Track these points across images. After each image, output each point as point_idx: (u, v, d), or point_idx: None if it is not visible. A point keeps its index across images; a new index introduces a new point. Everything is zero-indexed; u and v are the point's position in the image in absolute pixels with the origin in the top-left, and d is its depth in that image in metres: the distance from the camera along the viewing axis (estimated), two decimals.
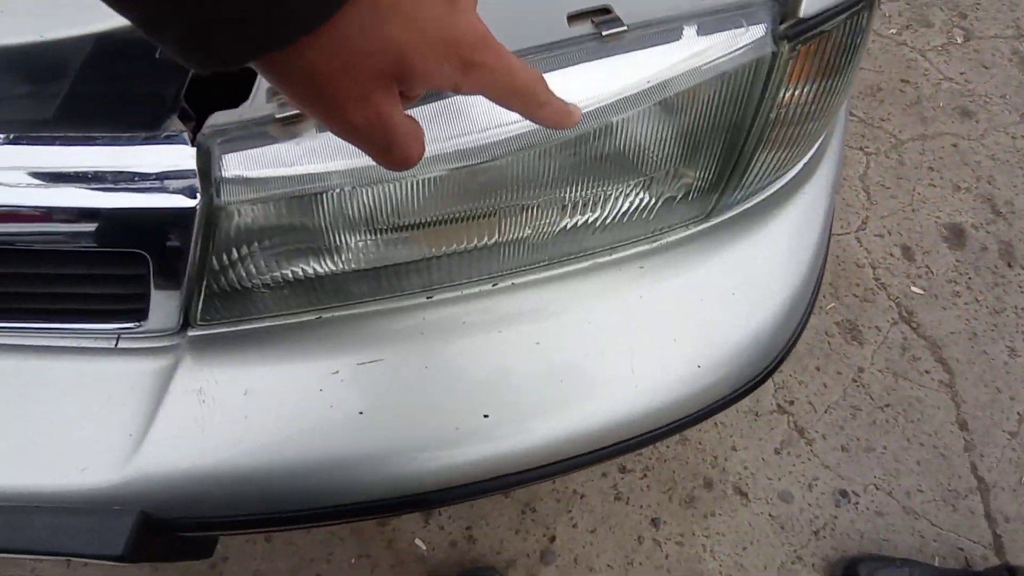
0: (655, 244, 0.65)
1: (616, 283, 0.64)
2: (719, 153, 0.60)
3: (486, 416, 0.59)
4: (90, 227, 0.47)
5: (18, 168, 0.46)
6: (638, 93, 0.52)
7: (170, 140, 0.47)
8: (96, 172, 0.46)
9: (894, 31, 1.88)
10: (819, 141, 0.70)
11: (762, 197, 0.67)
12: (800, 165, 0.69)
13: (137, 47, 0.51)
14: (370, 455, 0.59)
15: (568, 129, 0.39)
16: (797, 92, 0.58)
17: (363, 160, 0.49)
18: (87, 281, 0.53)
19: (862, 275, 1.51)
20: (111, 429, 0.58)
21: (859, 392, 1.38)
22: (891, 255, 1.54)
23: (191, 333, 0.59)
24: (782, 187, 0.68)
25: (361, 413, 0.59)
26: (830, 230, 0.74)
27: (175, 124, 0.48)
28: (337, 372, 0.59)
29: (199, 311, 0.57)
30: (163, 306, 0.55)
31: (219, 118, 0.48)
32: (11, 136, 0.47)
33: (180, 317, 0.57)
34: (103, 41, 0.51)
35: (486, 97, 0.32)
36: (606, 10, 0.52)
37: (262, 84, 0.51)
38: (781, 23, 0.54)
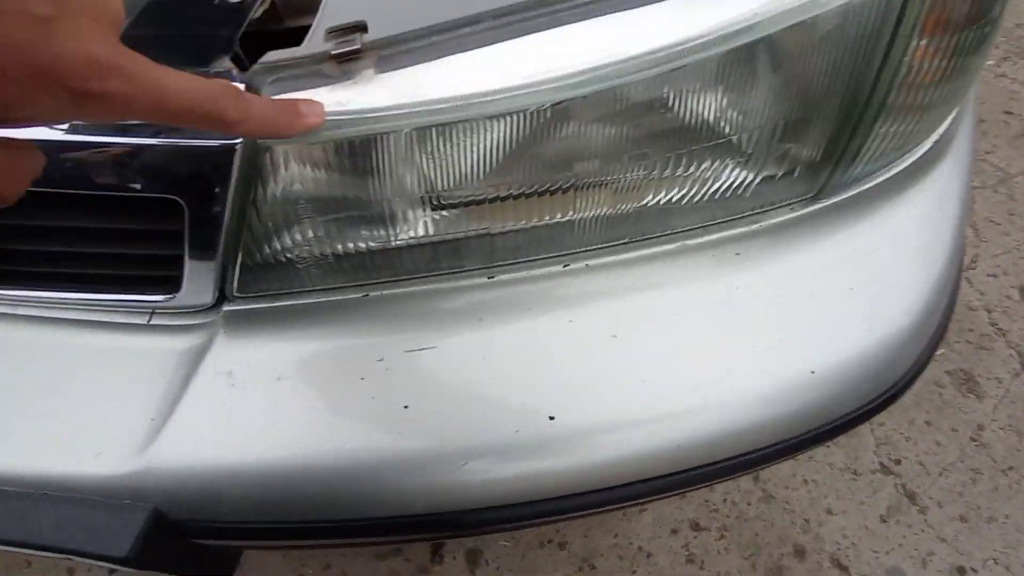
0: (754, 227, 0.55)
1: (708, 270, 0.54)
2: (834, 116, 0.51)
3: (552, 418, 0.50)
4: (128, 165, 0.42)
5: None
6: (740, 30, 0.44)
7: (218, 78, 0.43)
8: None
9: (992, 63, 1.76)
10: (949, 119, 0.60)
11: (883, 178, 0.57)
12: (928, 145, 0.59)
13: None
14: (414, 457, 0.50)
15: (298, 135, 0.35)
16: (932, 43, 0.49)
17: (426, 102, 0.44)
18: (123, 239, 0.49)
19: (975, 319, 1.33)
20: (133, 412, 0.52)
21: (979, 453, 1.18)
22: (1008, 297, 1.35)
23: (226, 308, 0.53)
24: (906, 168, 0.58)
25: (406, 407, 0.50)
26: (965, 229, 0.62)
27: (225, 64, 0.44)
28: (382, 360, 0.52)
29: (236, 282, 0.51)
30: (198, 274, 0.50)
31: (272, 56, 0.44)
32: None
33: (216, 289, 0.52)
34: None
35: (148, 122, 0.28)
36: None
37: (321, 23, 0.47)
38: None
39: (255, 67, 0.43)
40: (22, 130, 0.26)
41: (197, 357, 0.53)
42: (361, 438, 0.50)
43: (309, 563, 1.07)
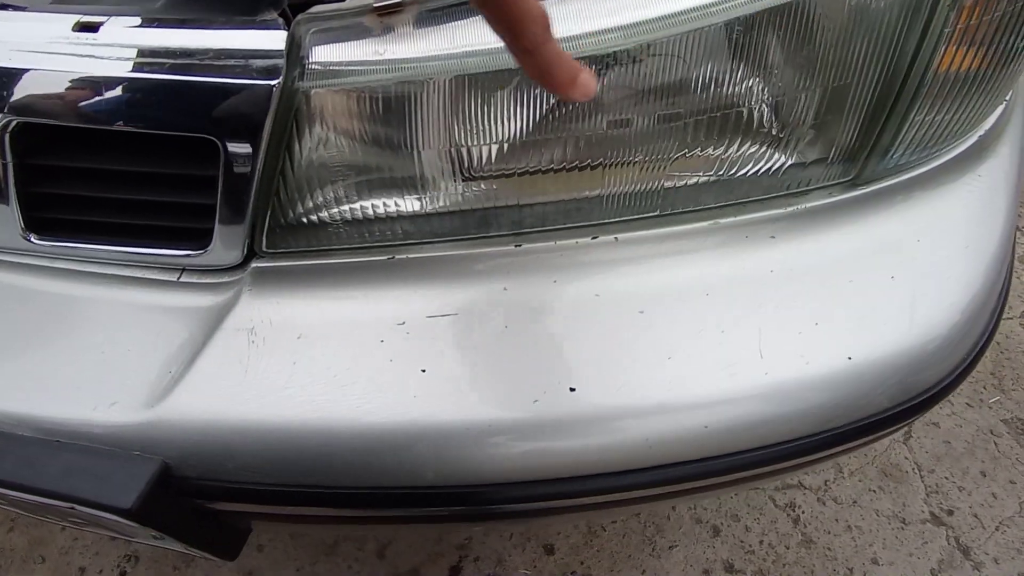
0: (790, 209, 0.54)
1: (742, 250, 0.53)
2: (867, 98, 0.50)
3: (572, 390, 0.48)
4: (168, 103, 0.44)
5: (112, 45, 0.45)
6: None
7: (264, 26, 0.45)
8: (184, 50, 0.45)
9: None
10: (997, 113, 0.58)
11: (927, 168, 0.55)
12: (974, 138, 0.57)
13: None
14: (428, 424, 0.48)
15: (563, 97, 0.35)
16: (972, 24, 0.48)
17: (465, 52, 0.45)
18: (159, 185, 0.50)
19: None
20: (153, 365, 0.52)
21: None
22: None
23: (255, 264, 0.54)
24: (952, 159, 0.56)
25: (424, 371, 0.49)
26: (1014, 229, 0.59)
27: (272, 16, 0.47)
28: (403, 323, 0.51)
29: (264, 237, 0.52)
30: (228, 226, 0.51)
31: (316, 9, 0.46)
32: (109, 19, 0.47)
33: (244, 245, 0.52)
34: None
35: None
36: None
37: None
38: None
39: (299, 18, 0.45)
40: None
41: (222, 314, 0.53)
42: (375, 400, 0.49)
43: None
